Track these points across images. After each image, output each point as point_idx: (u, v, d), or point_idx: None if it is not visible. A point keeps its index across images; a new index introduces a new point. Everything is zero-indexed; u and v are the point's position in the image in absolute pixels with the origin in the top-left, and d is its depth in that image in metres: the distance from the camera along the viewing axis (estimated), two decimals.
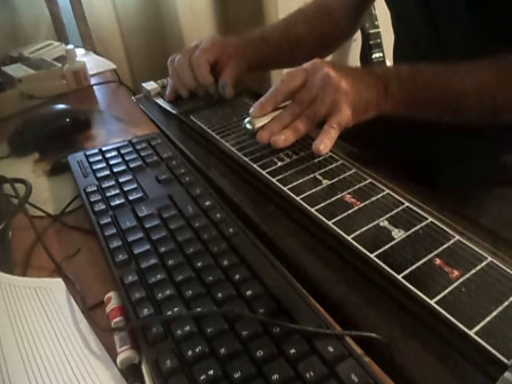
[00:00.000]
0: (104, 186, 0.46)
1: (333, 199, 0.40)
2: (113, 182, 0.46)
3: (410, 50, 0.66)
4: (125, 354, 0.29)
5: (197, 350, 0.28)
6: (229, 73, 0.61)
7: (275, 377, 0.26)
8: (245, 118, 0.50)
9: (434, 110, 0.49)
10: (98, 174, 0.48)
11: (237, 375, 0.26)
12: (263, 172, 0.45)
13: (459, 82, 0.47)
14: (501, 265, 0.32)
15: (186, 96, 0.64)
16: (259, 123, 0.49)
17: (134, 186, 0.45)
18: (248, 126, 0.49)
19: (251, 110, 0.49)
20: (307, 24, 0.68)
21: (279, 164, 0.46)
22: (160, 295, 0.32)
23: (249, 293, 0.32)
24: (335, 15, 0.69)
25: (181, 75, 0.61)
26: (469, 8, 0.50)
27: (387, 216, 0.38)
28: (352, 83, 0.46)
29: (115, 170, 0.48)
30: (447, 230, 0.35)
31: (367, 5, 0.73)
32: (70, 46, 0.76)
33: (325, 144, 0.45)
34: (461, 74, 0.47)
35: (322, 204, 0.40)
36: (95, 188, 0.45)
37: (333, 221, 0.37)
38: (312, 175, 0.44)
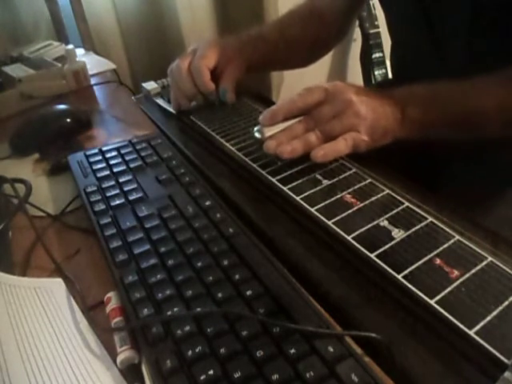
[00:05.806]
0: (104, 185, 0.46)
1: (333, 199, 0.40)
2: (113, 182, 0.46)
3: (408, 55, 0.67)
4: (125, 353, 0.29)
5: (197, 350, 0.28)
6: (228, 77, 0.59)
7: (275, 377, 0.26)
8: (255, 126, 0.48)
9: (452, 129, 0.48)
10: (98, 174, 0.48)
11: (237, 375, 0.26)
12: (263, 172, 0.45)
13: (478, 98, 0.45)
14: (501, 265, 0.32)
15: (188, 106, 0.61)
16: (269, 132, 0.46)
17: (134, 186, 0.45)
18: (257, 134, 0.47)
19: (261, 118, 0.46)
20: (300, 26, 0.68)
21: (279, 164, 0.46)
22: (160, 295, 0.32)
23: (249, 293, 0.32)
24: (326, 19, 0.69)
25: (181, 85, 0.58)
26: (470, 30, 0.50)
27: (387, 216, 0.38)
28: (372, 112, 0.45)
29: (115, 170, 0.48)
30: (447, 229, 0.35)
31: (357, 9, 0.74)
32: (70, 46, 0.76)
33: (324, 153, 0.43)
34: (478, 89, 0.46)
35: (322, 204, 0.39)
36: (95, 188, 0.45)
37: (333, 221, 0.37)
38: (312, 175, 0.44)
